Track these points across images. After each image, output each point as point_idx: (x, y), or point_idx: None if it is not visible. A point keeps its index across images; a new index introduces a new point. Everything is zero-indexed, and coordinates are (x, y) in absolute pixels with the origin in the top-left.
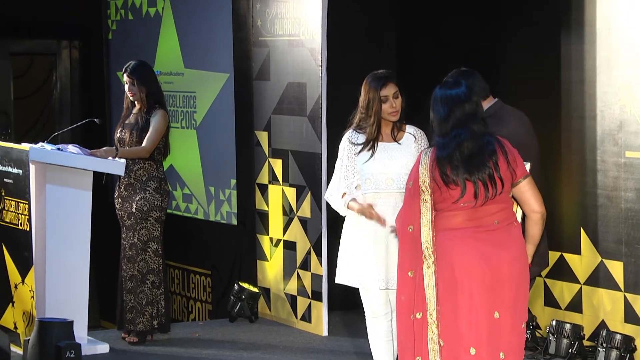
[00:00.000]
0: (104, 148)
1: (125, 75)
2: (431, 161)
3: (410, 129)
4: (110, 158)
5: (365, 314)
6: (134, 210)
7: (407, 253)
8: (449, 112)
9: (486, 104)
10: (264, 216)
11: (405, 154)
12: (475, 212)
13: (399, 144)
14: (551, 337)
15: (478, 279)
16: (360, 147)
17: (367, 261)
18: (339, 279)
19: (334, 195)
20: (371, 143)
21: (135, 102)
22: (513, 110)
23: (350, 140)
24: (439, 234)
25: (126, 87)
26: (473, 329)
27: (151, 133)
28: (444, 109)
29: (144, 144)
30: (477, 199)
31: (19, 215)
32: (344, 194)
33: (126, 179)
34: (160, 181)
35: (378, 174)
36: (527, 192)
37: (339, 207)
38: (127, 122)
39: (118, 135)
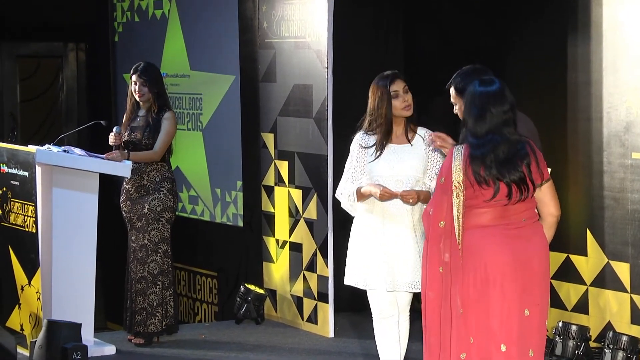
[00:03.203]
0: (116, 151)
1: (135, 76)
2: (465, 158)
3: (421, 131)
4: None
5: (372, 315)
6: (146, 211)
7: (437, 249)
8: (486, 110)
9: None
10: (270, 218)
11: (415, 156)
12: (506, 210)
13: (411, 145)
14: (557, 339)
15: (510, 276)
16: (370, 150)
17: (374, 263)
18: (347, 281)
19: (342, 195)
20: (381, 144)
21: (141, 103)
22: (519, 113)
23: (360, 143)
24: (467, 231)
25: (135, 87)
26: (504, 326)
27: (163, 136)
28: (481, 106)
29: (155, 147)
30: (510, 199)
31: (26, 217)
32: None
33: (138, 181)
34: (172, 182)
35: (387, 176)
36: (548, 194)
37: (348, 204)
38: (134, 124)
39: (127, 138)
